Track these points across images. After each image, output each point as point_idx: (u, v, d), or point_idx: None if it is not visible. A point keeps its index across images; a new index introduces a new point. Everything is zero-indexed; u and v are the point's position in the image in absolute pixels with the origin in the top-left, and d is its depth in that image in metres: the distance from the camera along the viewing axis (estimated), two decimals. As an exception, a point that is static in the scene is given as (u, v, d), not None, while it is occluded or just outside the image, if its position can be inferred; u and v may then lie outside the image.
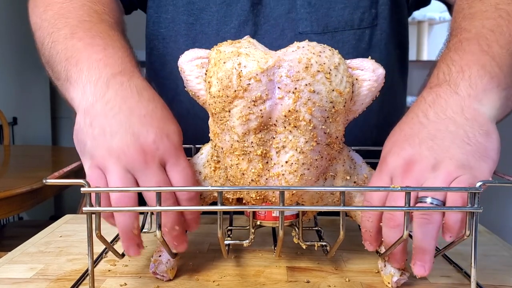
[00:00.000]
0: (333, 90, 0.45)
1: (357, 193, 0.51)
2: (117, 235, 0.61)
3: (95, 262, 0.54)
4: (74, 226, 0.69)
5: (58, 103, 3.24)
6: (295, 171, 0.46)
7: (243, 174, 0.47)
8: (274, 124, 0.45)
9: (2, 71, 2.77)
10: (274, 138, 0.46)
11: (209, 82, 0.46)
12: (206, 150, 0.53)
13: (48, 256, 0.57)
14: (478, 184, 0.42)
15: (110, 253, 0.56)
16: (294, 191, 0.48)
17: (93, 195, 0.44)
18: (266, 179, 0.47)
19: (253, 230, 0.53)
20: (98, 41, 0.53)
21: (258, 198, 0.49)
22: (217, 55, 0.46)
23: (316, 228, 0.59)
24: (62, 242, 0.62)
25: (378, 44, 0.70)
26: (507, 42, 0.50)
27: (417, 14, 2.50)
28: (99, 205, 0.44)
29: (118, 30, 0.59)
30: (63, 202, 3.21)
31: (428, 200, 0.43)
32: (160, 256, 0.50)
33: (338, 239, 0.46)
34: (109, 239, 0.53)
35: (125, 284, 0.50)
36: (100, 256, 0.56)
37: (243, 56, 0.44)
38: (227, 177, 0.50)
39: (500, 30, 0.50)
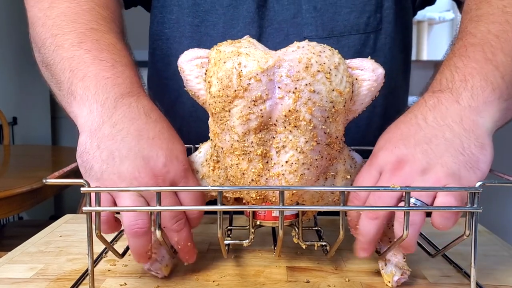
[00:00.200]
0: (333, 90, 0.45)
1: None
2: (117, 235, 0.62)
3: (95, 262, 0.54)
4: (74, 226, 0.69)
5: (58, 103, 3.23)
6: (295, 171, 0.46)
7: (243, 174, 0.47)
8: (274, 124, 0.45)
9: (2, 71, 2.77)
10: (274, 138, 0.46)
11: (209, 82, 0.46)
12: (204, 149, 0.53)
13: (48, 256, 0.57)
14: (478, 184, 0.42)
15: (110, 253, 0.56)
16: (294, 191, 0.48)
17: (92, 195, 0.44)
18: (266, 179, 0.47)
19: (253, 230, 0.53)
20: (106, 55, 0.52)
21: (258, 198, 0.49)
22: (217, 55, 0.46)
23: (316, 228, 0.59)
24: (62, 242, 0.62)
25: (383, 48, 0.70)
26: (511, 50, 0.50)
27: (417, 14, 2.49)
28: (99, 205, 0.44)
29: (123, 41, 0.58)
30: (63, 202, 3.21)
31: (412, 200, 0.44)
32: (155, 253, 0.50)
33: (338, 239, 0.46)
34: (109, 239, 0.53)
35: (125, 284, 0.50)
36: (100, 256, 0.56)
37: (243, 56, 0.44)
38: (227, 177, 0.50)
39: (506, 36, 0.50)
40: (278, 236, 0.46)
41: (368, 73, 0.47)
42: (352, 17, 0.68)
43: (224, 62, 0.45)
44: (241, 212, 0.66)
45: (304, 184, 0.47)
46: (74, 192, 2.22)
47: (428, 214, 0.46)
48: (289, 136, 0.46)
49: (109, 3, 0.61)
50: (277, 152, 0.46)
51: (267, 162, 0.47)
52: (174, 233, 0.48)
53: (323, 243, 0.53)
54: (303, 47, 0.45)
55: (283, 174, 0.47)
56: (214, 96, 0.46)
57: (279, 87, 0.44)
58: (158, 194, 0.43)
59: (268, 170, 0.47)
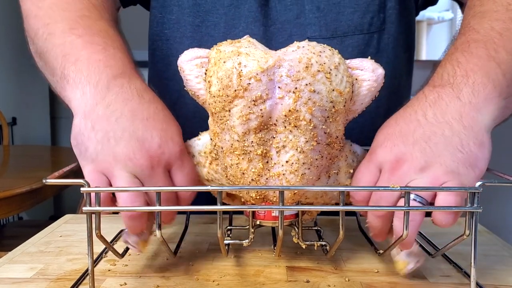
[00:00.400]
0: (333, 90, 0.45)
1: None
2: (117, 235, 0.61)
3: (95, 262, 0.54)
4: (74, 226, 0.69)
5: (57, 103, 3.23)
6: (295, 170, 0.46)
7: (243, 173, 0.47)
8: (274, 124, 0.45)
9: (1, 71, 2.77)
10: (274, 137, 0.46)
11: (209, 82, 0.46)
12: (204, 138, 0.52)
13: (48, 256, 0.57)
14: (478, 184, 0.42)
15: (110, 253, 0.56)
16: (295, 191, 0.48)
17: (92, 195, 0.44)
18: (267, 178, 0.47)
19: (252, 230, 0.53)
20: (98, 39, 0.53)
21: (258, 197, 0.49)
22: (217, 55, 0.46)
23: (316, 228, 0.59)
24: (62, 242, 0.62)
25: (386, 48, 0.70)
26: None
27: (417, 14, 2.50)
28: (99, 205, 0.44)
29: (116, 28, 0.59)
30: (62, 202, 3.21)
31: (412, 196, 0.44)
32: None
33: (338, 238, 0.47)
34: (109, 239, 0.53)
35: (125, 283, 0.50)
36: (100, 256, 0.56)
37: (243, 56, 0.44)
38: (226, 176, 0.50)
39: (509, 34, 0.50)
40: (278, 236, 0.47)
41: (368, 73, 0.47)
42: (355, 17, 0.68)
43: (224, 62, 0.45)
44: (241, 212, 0.66)
45: (305, 184, 0.47)
46: (74, 192, 2.22)
47: (428, 213, 0.46)
48: (289, 136, 0.46)
49: None
50: (277, 152, 0.46)
51: (267, 162, 0.47)
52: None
53: (323, 243, 0.53)
54: (303, 47, 0.45)
55: (283, 174, 0.47)
56: (214, 96, 0.46)
57: (279, 87, 0.44)
58: (158, 194, 0.43)
59: (268, 170, 0.47)
